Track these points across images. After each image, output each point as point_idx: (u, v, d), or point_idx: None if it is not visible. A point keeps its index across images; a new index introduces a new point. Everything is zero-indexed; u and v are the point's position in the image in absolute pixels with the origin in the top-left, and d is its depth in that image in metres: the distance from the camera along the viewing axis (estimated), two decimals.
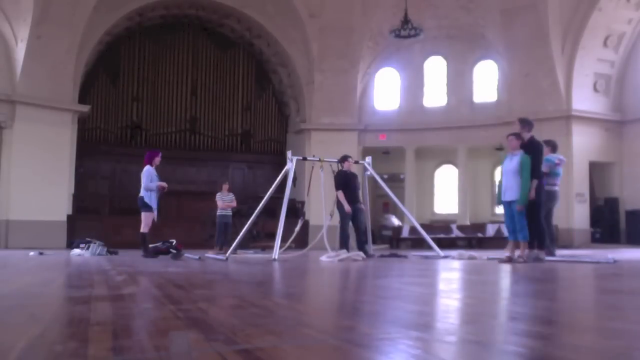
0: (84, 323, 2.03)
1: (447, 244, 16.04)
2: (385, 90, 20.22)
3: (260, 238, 13.96)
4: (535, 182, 7.46)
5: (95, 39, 17.04)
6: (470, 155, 19.22)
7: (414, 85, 19.92)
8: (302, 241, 13.03)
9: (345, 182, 9.37)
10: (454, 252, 9.53)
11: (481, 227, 17.96)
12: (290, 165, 9.49)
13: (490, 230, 17.46)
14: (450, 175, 20.57)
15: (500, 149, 18.62)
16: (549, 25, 16.58)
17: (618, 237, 17.34)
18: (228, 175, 20.05)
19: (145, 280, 4.22)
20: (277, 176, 9.90)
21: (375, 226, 16.95)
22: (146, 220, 9.04)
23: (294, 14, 18.36)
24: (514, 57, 17.77)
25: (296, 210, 15.52)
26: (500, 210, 19.45)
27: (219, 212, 11.05)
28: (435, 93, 19.93)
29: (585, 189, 17.19)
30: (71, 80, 16.26)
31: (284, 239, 9.05)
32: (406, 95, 19.98)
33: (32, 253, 9.87)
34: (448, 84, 19.68)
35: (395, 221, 19.21)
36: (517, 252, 7.51)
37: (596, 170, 17.77)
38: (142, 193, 9.16)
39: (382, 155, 18.39)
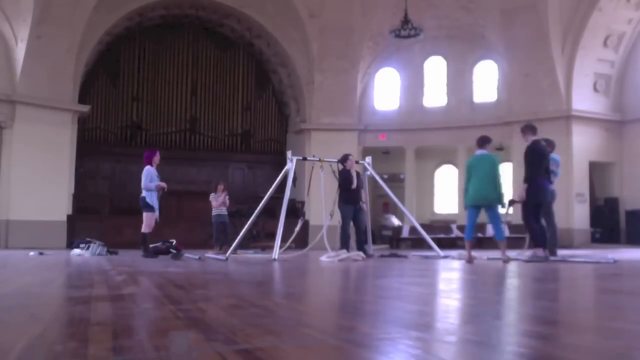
0: (84, 323, 2.03)
1: (447, 244, 16.04)
2: (385, 90, 20.22)
3: (260, 238, 13.96)
4: (524, 186, 7.81)
5: (95, 39, 17.04)
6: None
7: (414, 85, 19.92)
8: (302, 241, 13.03)
9: (349, 181, 9.39)
10: (454, 252, 9.54)
11: (481, 227, 17.95)
12: (290, 165, 9.50)
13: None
14: (450, 175, 20.57)
15: (500, 148, 18.60)
16: (549, 25, 16.58)
17: (618, 237, 17.34)
18: (228, 175, 20.07)
19: (145, 280, 4.22)
20: (277, 176, 9.90)
21: (375, 226, 16.94)
22: (147, 221, 9.06)
23: (294, 14, 18.36)
24: (514, 57, 17.76)
25: (296, 210, 15.51)
26: (500, 210, 19.63)
27: (214, 212, 11.05)
28: (435, 93, 19.93)
29: (585, 189, 17.19)
30: (71, 80, 16.26)
31: (284, 239, 9.05)
32: (406, 95, 19.98)
33: (32, 253, 9.87)
34: (448, 84, 19.68)
35: (395, 221, 19.21)
36: (527, 252, 7.69)
37: (596, 170, 17.77)
38: (144, 193, 9.19)
39: (382, 155, 18.38)
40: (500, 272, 5.52)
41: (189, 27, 19.88)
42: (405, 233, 17.69)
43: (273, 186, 9.57)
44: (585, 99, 17.18)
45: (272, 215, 12.61)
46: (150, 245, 10.41)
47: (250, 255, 10.26)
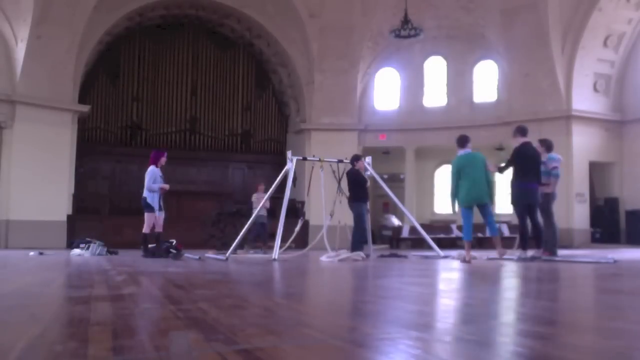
0: (84, 323, 2.03)
1: (447, 244, 16.04)
2: (385, 90, 20.22)
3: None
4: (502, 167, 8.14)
5: (95, 39, 17.04)
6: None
7: (414, 85, 19.92)
8: (302, 241, 13.03)
9: (363, 179, 9.45)
10: (454, 252, 9.53)
11: (481, 227, 17.92)
12: (290, 165, 9.50)
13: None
14: (450, 176, 20.53)
15: (500, 148, 18.61)
16: (549, 25, 16.58)
17: (618, 237, 17.34)
18: (228, 175, 20.10)
19: (145, 280, 4.22)
20: (277, 176, 9.90)
21: (375, 226, 16.95)
22: (148, 221, 9.04)
23: (294, 14, 18.36)
24: (514, 57, 17.76)
25: (296, 210, 15.52)
26: (500, 210, 19.65)
27: (255, 213, 10.88)
28: (435, 93, 19.93)
29: (585, 189, 17.19)
30: (71, 80, 16.26)
31: (284, 239, 9.05)
32: (406, 95, 19.98)
33: (32, 253, 9.87)
34: (448, 84, 19.68)
35: (395, 221, 19.20)
36: (530, 252, 7.72)
37: (596, 170, 17.77)
38: (145, 193, 9.15)
39: (382, 155, 18.38)
40: (500, 272, 5.52)
41: (189, 27, 19.88)
42: (405, 233, 17.69)
43: (273, 186, 9.57)
44: (585, 99, 17.18)
45: (272, 215, 12.62)
46: (150, 246, 10.42)
47: (250, 255, 10.26)
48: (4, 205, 15.08)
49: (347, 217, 9.45)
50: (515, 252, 8.25)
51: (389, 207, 19.85)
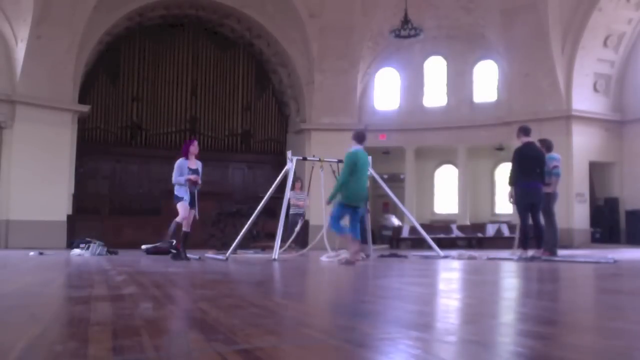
0: (84, 323, 2.03)
1: (447, 244, 16.05)
2: (385, 90, 20.22)
3: (260, 238, 13.96)
4: (510, 188, 8.00)
5: (95, 39, 17.04)
6: (470, 155, 19.22)
7: (414, 85, 19.92)
8: (302, 241, 13.02)
9: None
10: (454, 252, 9.53)
11: (481, 227, 17.97)
12: (290, 165, 9.49)
13: (490, 230, 17.47)
14: (450, 175, 20.57)
15: (500, 148, 18.62)
16: (549, 25, 16.59)
17: (618, 237, 17.34)
18: (228, 175, 20.10)
19: (145, 280, 4.22)
20: (277, 176, 9.90)
21: (375, 226, 16.94)
22: (181, 209, 8.26)
23: (294, 14, 18.36)
24: (514, 57, 17.77)
25: None
26: (500, 210, 19.67)
27: (291, 211, 10.64)
28: (435, 93, 19.93)
29: (585, 189, 17.19)
30: (71, 80, 16.27)
31: (283, 239, 9.05)
32: (406, 95, 19.98)
33: (32, 253, 9.87)
34: (448, 84, 19.68)
35: (395, 221, 19.21)
36: (531, 252, 7.69)
37: (596, 170, 17.77)
38: (174, 187, 8.44)
39: (382, 155, 18.38)
40: (499, 272, 5.52)
41: (189, 27, 19.88)
42: (405, 233, 17.70)
43: (273, 186, 9.57)
44: (585, 99, 17.19)
45: (272, 215, 12.62)
46: (150, 246, 10.42)
47: (250, 255, 10.26)
48: (4, 205, 15.08)
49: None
50: (516, 252, 8.26)
51: (389, 207, 19.85)
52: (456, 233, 17.72)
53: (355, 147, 7.52)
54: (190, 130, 19.45)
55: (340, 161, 9.92)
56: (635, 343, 1.72)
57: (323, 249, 9.68)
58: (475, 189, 19.83)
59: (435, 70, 19.94)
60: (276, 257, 8.28)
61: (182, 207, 8.20)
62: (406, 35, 16.19)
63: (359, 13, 18.38)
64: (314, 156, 10.68)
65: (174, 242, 10.08)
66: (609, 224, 17.49)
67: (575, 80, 17.05)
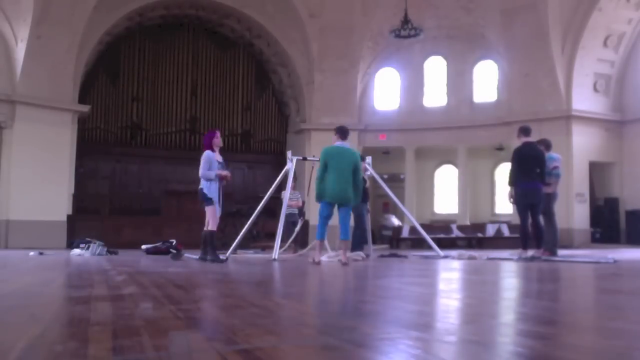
0: (84, 323, 2.03)
1: (447, 244, 16.04)
2: (385, 90, 20.22)
3: (260, 238, 13.97)
4: (510, 189, 8.00)
5: (95, 39, 17.04)
6: (470, 155, 19.22)
7: (414, 85, 19.92)
8: (302, 241, 13.03)
9: (364, 180, 9.43)
10: (454, 252, 9.53)
11: (481, 227, 17.97)
12: (290, 165, 9.50)
13: (490, 230, 17.47)
14: (450, 175, 20.58)
15: (500, 148, 18.62)
16: (549, 25, 16.59)
17: (618, 237, 17.34)
18: None
19: (145, 280, 4.22)
20: (277, 176, 9.90)
21: (375, 226, 16.95)
22: (212, 216, 7.66)
23: (294, 14, 18.36)
24: (514, 57, 17.76)
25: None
26: (500, 210, 19.68)
27: (288, 211, 10.48)
28: (435, 93, 19.93)
29: (585, 189, 17.19)
30: (71, 80, 16.27)
31: (283, 239, 9.05)
32: (406, 95, 19.98)
33: (32, 253, 9.87)
34: (448, 84, 19.68)
35: (395, 221, 19.21)
36: (531, 252, 7.69)
37: (596, 170, 17.77)
38: (202, 184, 7.81)
39: (382, 155, 18.39)
40: (499, 272, 5.52)
41: (189, 27, 19.88)
42: (405, 233, 17.70)
43: (273, 186, 9.58)
44: (585, 99, 17.18)
45: (272, 215, 12.62)
46: (150, 246, 10.42)
47: (250, 255, 10.26)
48: (4, 205, 15.08)
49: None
50: (516, 252, 8.26)
51: (389, 207, 19.85)
52: (456, 233, 17.72)
53: (338, 142, 7.28)
54: (190, 130, 19.46)
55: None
56: (635, 343, 1.72)
57: (323, 249, 9.67)
58: (475, 189, 19.83)
59: (435, 70, 19.94)
60: (276, 257, 8.28)
61: (213, 214, 7.61)
62: (406, 35, 16.19)
63: (359, 13, 18.38)
64: (314, 156, 10.66)
65: (174, 241, 10.08)
66: (609, 224, 17.48)
67: (575, 80, 17.05)
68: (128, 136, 18.87)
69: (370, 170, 10.25)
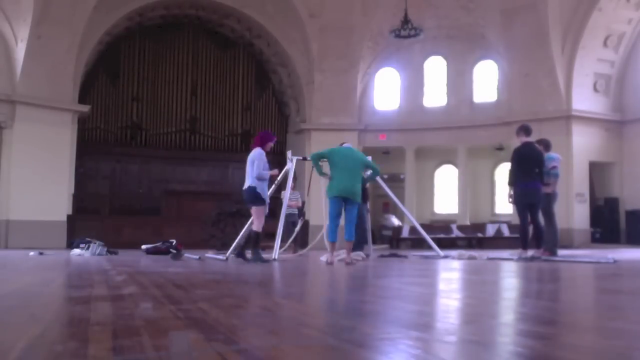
0: (84, 323, 2.03)
1: (447, 244, 16.04)
2: (385, 90, 20.22)
3: (260, 238, 13.95)
4: (509, 188, 8.01)
5: (95, 39, 17.05)
6: (470, 155, 19.23)
7: (414, 85, 19.92)
8: (302, 241, 13.03)
9: (364, 180, 9.45)
10: (454, 252, 9.53)
11: (481, 227, 17.97)
12: (290, 165, 9.49)
13: (490, 230, 17.47)
14: (450, 175, 20.58)
15: (500, 148, 18.62)
16: (549, 25, 16.59)
17: (618, 237, 17.33)
18: (228, 175, 20.09)
19: (145, 280, 4.22)
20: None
21: (375, 226, 16.94)
22: (259, 217, 7.47)
23: (294, 14, 18.36)
24: (514, 57, 17.77)
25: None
26: (500, 210, 19.67)
27: (288, 211, 10.44)
28: (435, 93, 19.94)
29: (585, 189, 17.19)
30: (71, 80, 16.27)
31: (283, 239, 9.05)
32: (406, 95, 19.98)
33: (32, 253, 9.87)
34: (448, 84, 19.68)
35: (395, 221, 19.21)
36: (531, 252, 7.68)
37: (596, 170, 17.77)
38: (253, 183, 7.40)
39: (382, 155, 18.39)
40: (499, 272, 5.52)
41: (189, 27, 19.88)
42: (405, 233, 17.70)
43: (273, 186, 9.57)
44: (585, 99, 17.19)
45: (272, 215, 12.62)
46: (150, 246, 10.42)
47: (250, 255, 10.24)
48: (4, 205, 15.08)
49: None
50: (516, 252, 8.27)
51: (389, 207, 19.85)
52: (456, 233, 17.72)
53: (346, 144, 7.71)
54: (190, 130, 19.47)
55: None
56: (635, 343, 1.72)
57: (323, 249, 9.68)
58: (475, 189, 19.83)
59: (435, 70, 19.94)
60: (276, 257, 8.28)
61: (262, 214, 7.48)
62: (406, 35, 16.20)
63: (359, 13, 18.39)
64: None
65: (174, 241, 10.08)
66: (609, 224, 17.48)
67: (575, 80, 17.05)
68: (128, 136, 18.87)
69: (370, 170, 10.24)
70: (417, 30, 16.06)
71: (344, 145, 7.55)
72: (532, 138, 8.21)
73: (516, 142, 8.36)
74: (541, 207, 8.06)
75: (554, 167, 8.42)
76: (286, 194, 9.60)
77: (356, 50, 18.85)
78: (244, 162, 7.66)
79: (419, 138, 19.32)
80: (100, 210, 17.11)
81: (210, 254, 9.66)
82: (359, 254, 8.58)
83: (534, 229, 7.93)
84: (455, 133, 18.88)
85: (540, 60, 17.00)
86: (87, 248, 9.94)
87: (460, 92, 19.40)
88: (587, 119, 17.14)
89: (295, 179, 10.59)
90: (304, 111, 19.52)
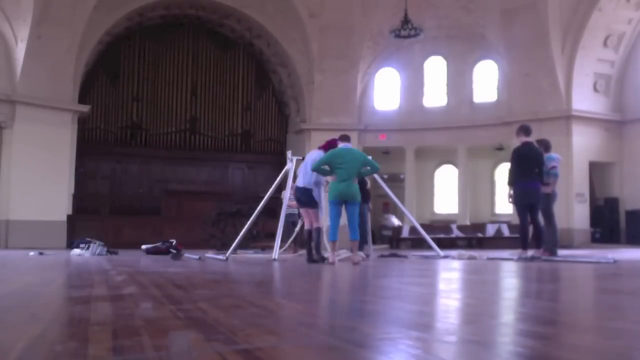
0: (84, 323, 2.03)
1: (447, 244, 16.04)
2: (385, 90, 20.22)
3: (260, 238, 13.95)
4: (509, 188, 8.01)
5: (95, 39, 17.05)
6: (470, 155, 19.22)
7: (414, 85, 19.92)
8: (301, 241, 13.02)
9: (360, 181, 9.43)
10: (454, 252, 9.53)
11: (481, 227, 17.97)
12: (290, 165, 9.49)
13: (490, 230, 17.47)
14: (450, 175, 20.58)
15: (500, 148, 18.62)
16: (549, 25, 16.59)
17: (618, 237, 17.33)
18: (228, 175, 20.11)
19: (145, 280, 4.22)
20: (277, 176, 9.90)
21: (375, 226, 16.95)
22: (315, 218, 7.77)
23: (294, 14, 18.36)
24: (514, 57, 17.77)
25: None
26: (500, 210, 19.67)
27: (288, 211, 10.56)
28: (435, 93, 19.94)
29: (585, 189, 17.19)
30: (71, 80, 16.27)
31: (283, 239, 9.05)
32: (406, 95, 19.98)
33: (32, 253, 9.87)
34: (448, 84, 19.68)
35: (395, 221, 19.21)
36: (531, 252, 7.68)
37: (596, 170, 17.77)
38: (309, 186, 7.66)
39: (382, 155, 18.38)
40: (499, 272, 5.52)
41: (189, 27, 19.89)
42: (405, 233, 17.70)
43: (273, 186, 9.57)
44: (585, 99, 17.19)
45: (272, 215, 12.61)
46: (150, 246, 10.42)
47: (250, 255, 10.26)
48: (4, 205, 15.08)
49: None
50: (516, 252, 8.27)
51: (389, 207, 19.85)
52: (456, 233, 17.72)
53: (342, 145, 7.62)
54: (190, 130, 19.47)
55: None
56: (635, 343, 1.72)
57: (323, 249, 9.67)
58: (475, 189, 19.83)
59: (435, 70, 19.94)
60: (276, 257, 8.28)
61: (316, 216, 7.74)
62: (406, 35, 16.20)
63: (359, 13, 18.39)
64: None
65: (174, 241, 10.07)
66: (609, 224, 17.48)
67: (575, 80, 17.05)
68: (128, 136, 18.87)
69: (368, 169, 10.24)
70: (417, 30, 16.06)
71: (342, 145, 7.57)
72: (532, 138, 8.21)
73: (516, 142, 8.36)
74: (541, 207, 8.06)
75: (554, 167, 8.42)
76: (286, 194, 9.60)
77: (356, 50, 18.85)
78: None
79: (419, 138, 19.32)
80: (100, 210, 17.11)
81: (210, 254, 9.66)
82: (359, 254, 8.58)
83: (533, 229, 7.93)
84: (455, 133, 18.88)
85: (540, 60, 17.00)
86: (87, 248, 9.94)
87: (460, 92, 19.40)
88: (587, 119, 17.14)
89: (295, 179, 10.56)
90: (304, 111, 19.53)
